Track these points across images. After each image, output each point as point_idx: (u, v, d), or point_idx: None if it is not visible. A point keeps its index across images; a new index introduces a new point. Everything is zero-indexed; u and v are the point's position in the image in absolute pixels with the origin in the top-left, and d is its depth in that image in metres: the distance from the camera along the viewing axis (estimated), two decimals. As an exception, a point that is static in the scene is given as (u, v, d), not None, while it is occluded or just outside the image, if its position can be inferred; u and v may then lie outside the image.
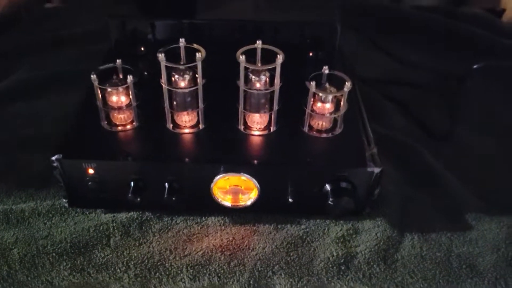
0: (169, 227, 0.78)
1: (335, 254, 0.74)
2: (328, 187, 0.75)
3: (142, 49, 0.90)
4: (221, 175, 0.74)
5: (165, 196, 0.74)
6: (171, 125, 0.79)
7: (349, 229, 0.78)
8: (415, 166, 0.91)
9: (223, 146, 0.77)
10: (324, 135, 0.79)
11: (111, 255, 0.73)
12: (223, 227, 0.78)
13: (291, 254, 0.74)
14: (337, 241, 0.76)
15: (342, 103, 0.77)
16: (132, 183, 0.74)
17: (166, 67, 0.72)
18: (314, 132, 0.79)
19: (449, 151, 0.96)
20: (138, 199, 0.74)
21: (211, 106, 0.79)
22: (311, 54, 0.90)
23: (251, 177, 0.74)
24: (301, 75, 0.78)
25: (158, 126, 0.79)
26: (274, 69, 0.72)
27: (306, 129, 0.79)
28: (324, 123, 0.79)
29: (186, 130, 0.79)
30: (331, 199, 0.73)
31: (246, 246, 0.75)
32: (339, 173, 0.74)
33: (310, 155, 0.76)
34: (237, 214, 0.79)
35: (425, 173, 0.90)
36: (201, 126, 0.80)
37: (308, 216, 0.80)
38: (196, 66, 0.72)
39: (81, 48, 1.21)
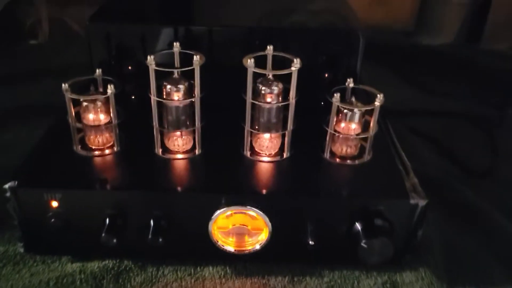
0: (153, 280, 0.62)
1: (370, 315, 0.57)
2: (358, 226, 0.59)
3: (130, 68, 0.76)
4: (222, 210, 0.58)
5: (150, 237, 0.57)
6: (161, 150, 0.64)
7: (385, 283, 0.62)
8: (454, 205, 0.76)
9: (224, 174, 0.62)
10: (349, 162, 0.64)
11: (75, 317, 0.55)
12: (223, 280, 0.62)
13: (313, 315, 0.57)
14: None
15: (372, 123, 0.62)
16: (107, 220, 0.58)
17: (157, 75, 0.58)
18: (337, 160, 0.64)
19: (490, 187, 0.81)
20: (114, 240, 0.57)
21: (210, 125, 0.64)
22: (326, 75, 0.77)
23: (261, 212, 0.58)
24: (319, 92, 0.64)
25: (144, 151, 0.64)
26: (289, 79, 0.59)
27: (327, 155, 0.65)
28: (349, 149, 0.65)
29: (179, 156, 0.64)
30: (363, 241, 0.57)
31: None
32: (373, 207, 0.58)
33: (334, 185, 0.60)
34: (242, 263, 0.64)
35: (467, 212, 0.75)
36: (197, 151, 0.64)
37: (332, 266, 0.65)
38: (193, 74, 0.59)
39: (60, 80, 1.08)
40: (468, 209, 0.75)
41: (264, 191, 0.59)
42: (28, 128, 0.91)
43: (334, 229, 0.60)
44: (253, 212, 0.58)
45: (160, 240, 0.57)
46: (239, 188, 0.59)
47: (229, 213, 0.59)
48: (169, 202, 0.59)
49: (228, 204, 0.58)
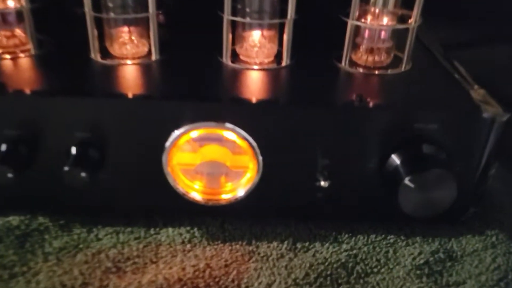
0: (80, 246, 0.41)
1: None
2: (397, 158, 0.37)
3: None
4: (184, 129, 0.37)
5: (67, 169, 0.36)
6: (99, 55, 0.43)
7: (436, 252, 0.41)
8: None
9: (192, 82, 0.41)
10: (379, 71, 0.43)
11: None
12: (188, 247, 0.41)
13: (326, 298, 0.36)
14: (415, 275, 0.38)
15: (414, 11, 0.42)
16: (3, 145, 0.37)
17: None
18: (360, 69, 0.44)
19: None
20: (9, 175, 0.36)
21: (172, 18, 0.43)
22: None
23: (246, 135, 0.37)
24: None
25: (75, 55, 0.44)
26: None
27: (345, 63, 0.44)
28: (377, 56, 0.44)
29: (127, 62, 0.43)
30: (408, 178, 0.36)
31: (233, 284, 0.36)
32: (420, 126, 0.37)
33: (360, 96, 0.39)
34: (217, 221, 0.44)
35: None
36: (154, 56, 0.44)
37: (354, 226, 0.44)
38: None
39: None
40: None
41: (252, 100, 0.38)
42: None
43: (359, 163, 0.39)
44: (234, 134, 0.37)
45: (84, 175, 0.36)
46: (212, 96, 0.38)
47: (195, 135, 0.38)
48: (101, 116, 0.37)
49: (195, 118, 0.37)
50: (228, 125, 0.37)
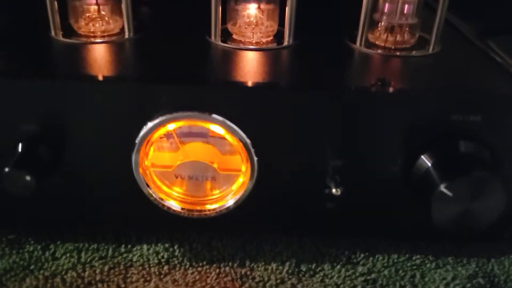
0: (31, 267, 0.33)
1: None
2: (427, 159, 0.30)
3: None
4: (158, 120, 0.29)
5: (8, 171, 0.28)
6: (60, 33, 0.36)
7: (474, 276, 0.33)
8: None
9: (170, 62, 0.33)
10: (401, 53, 0.36)
11: None
12: (166, 269, 0.33)
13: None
14: None
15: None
16: None
17: None
18: (380, 50, 0.36)
19: None
20: None
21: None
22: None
23: (239, 128, 0.29)
24: None
25: (30, 33, 0.36)
26: None
27: (361, 43, 0.36)
28: (399, 35, 0.36)
29: (96, 40, 0.35)
30: (443, 185, 0.28)
31: None
32: (457, 117, 0.29)
33: (380, 80, 0.32)
34: (202, 237, 0.37)
35: None
36: (127, 34, 0.36)
37: (371, 245, 0.36)
38: None
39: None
40: None
41: (247, 83, 0.30)
42: None
43: (379, 165, 0.31)
44: (222, 129, 0.30)
45: (29, 178, 0.28)
46: (196, 79, 0.31)
47: (173, 128, 0.30)
48: (59, 106, 0.30)
49: (174, 107, 0.29)
50: (216, 116, 0.30)
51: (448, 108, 0.30)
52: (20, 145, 0.30)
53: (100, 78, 0.30)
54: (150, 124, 0.30)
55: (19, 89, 0.30)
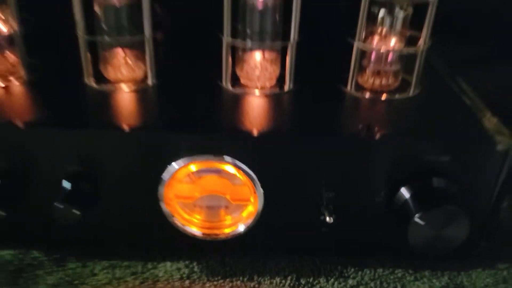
0: (75, 282, 0.40)
1: None
2: (406, 191, 0.36)
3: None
4: (181, 162, 0.35)
5: (58, 205, 0.34)
6: (93, 79, 0.41)
7: (446, 286, 0.40)
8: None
9: (189, 110, 0.39)
10: (386, 96, 0.41)
11: None
12: (187, 283, 0.40)
13: None
14: None
15: (424, 30, 0.40)
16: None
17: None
18: (367, 94, 0.42)
19: None
20: (2, 214, 0.34)
21: (170, 41, 0.41)
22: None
23: (246, 168, 0.35)
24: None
25: (68, 80, 0.42)
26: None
27: (351, 88, 0.42)
28: (384, 79, 0.42)
29: (122, 88, 0.41)
30: (417, 215, 0.34)
31: None
32: (431, 158, 0.35)
33: (367, 126, 0.37)
34: (216, 256, 0.42)
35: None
36: (150, 80, 0.42)
37: (361, 261, 0.42)
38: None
39: None
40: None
41: (253, 132, 0.36)
42: None
43: (365, 197, 0.37)
44: (233, 168, 0.36)
45: (78, 213, 0.34)
46: (211, 127, 0.37)
47: (193, 169, 0.36)
48: (95, 149, 0.36)
49: (192, 151, 0.35)
50: (227, 158, 0.36)
51: (423, 149, 0.36)
52: (66, 182, 0.36)
53: (128, 128, 0.36)
54: (175, 165, 0.36)
55: (61, 136, 0.36)
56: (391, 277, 0.40)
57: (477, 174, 0.36)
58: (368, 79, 0.43)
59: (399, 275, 0.41)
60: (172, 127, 0.37)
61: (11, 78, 0.42)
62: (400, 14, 0.40)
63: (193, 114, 0.39)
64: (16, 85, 0.42)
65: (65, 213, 0.35)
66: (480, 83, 0.54)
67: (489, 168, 0.36)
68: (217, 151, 0.36)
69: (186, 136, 0.35)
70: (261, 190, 0.37)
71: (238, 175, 0.37)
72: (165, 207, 0.38)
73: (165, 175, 0.36)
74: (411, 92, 0.42)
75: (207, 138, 0.36)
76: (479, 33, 0.74)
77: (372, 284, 0.40)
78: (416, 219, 0.34)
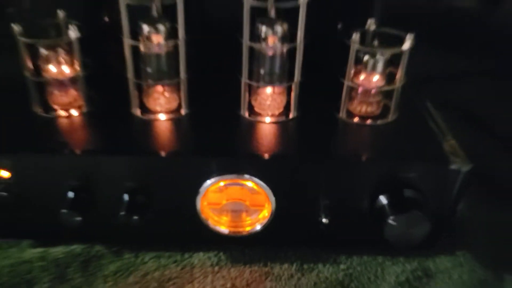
0: (131, 269, 0.52)
1: (399, 310, 0.45)
2: (383, 199, 0.47)
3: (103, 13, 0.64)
4: (213, 180, 0.46)
5: (123, 213, 0.46)
6: (139, 110, 0.52)
7: (415, 270, 0.51)
8: (495, 182, 0.64)
9: (216, 136, 0.50)
10: (370, 121, 0.52)
11: (28, 315, 0.44)
12: (216, 269, 0.51)
13: (328, 310, 0.46)
14: None
15: (399, 72, 0.50)
16: (70, 193, 0.46)
17: (131, 12, 0.47)
18: (355, 119, 0.53)
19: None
20: (78, 218, 0.45)
21: (199, 79, 0.52)
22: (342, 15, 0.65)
23: (262, 182, 0.46)
24: (331, 36, 0.53)
25: (119, 111, 0.53)
26: (296, 18, 0.47)
27: (343, 114, 0.53)
28: (369, 107, 0.53)
29: (162, 116, 0.52)
30: (391, 218, 0.45)
31: None
32: (401, 175, 0.46)
33: (353, 148, 0.49)
34: (239, 248, 0.54)
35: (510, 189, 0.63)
36: (183, 110, 0.53)
37: (349, 251, 0.54)
38: (176, 12, 0.47)
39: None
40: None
41: (265, 155, 0.47)
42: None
43: (353, 203, 0.49)
44: (251, 183, 0.47)
45: (135, 218, 0.46)
46: (234, 152, 0.48)
47: (222, 184, 0.47)
48: (147, 171, 0.47)
49: (221, 171, 0.46)
50: (247, 176, 0.47)
51: (396, 168, 0.47)
52: (125, 195, 0.48)
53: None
54: (208, 181, 0.47)
55: (120, 161, 0.47)
56: (374, 262, 0.52)
57: (437, 186, 0.47)
58: (356, 107, 0.53)
59: (380, 260, 0.52)
60: (205, 153, 0.47)
61: (73, 109, 0.53)
62: (380, 59, 0.50)
63: (220, 140, 0.49)
64: (76, 115, 0.53)
65: (125, 220, 0.47)
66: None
67: (447, 182, 0.47)
68: (239, 171, 0.47)
69: (216, 160, 0.46)
70: (273, 198, 0.48)
71: (255, 187, 0.48)
72: (200, 212, 0.49)
73: (201, 189, 0.47)
74: (390, 118, 0.53)
75: (231, 162, 0.47)
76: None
77: (358, 268, 0.51)
78: (390, 220, 0.46)
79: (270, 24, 0.49)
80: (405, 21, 0.58)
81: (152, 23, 0.48)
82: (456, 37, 0.99)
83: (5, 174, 0.46)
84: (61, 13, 0.52)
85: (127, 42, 0.48)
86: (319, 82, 0.53)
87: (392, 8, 0.66)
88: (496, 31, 1.03)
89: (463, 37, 0.94)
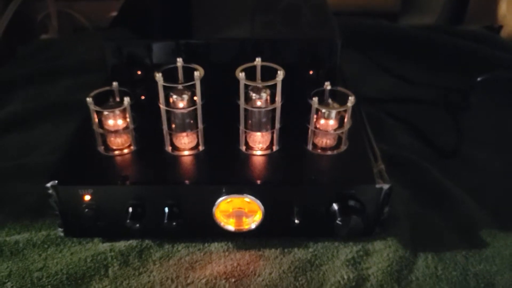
0: (170, 255, 0.74)
1: (345, 277, 0.70)
2: (335, 206, 0.71)
3: (139, 72, 0.88)
4: (223, 197, 0.71)
5: (165, 221, 0.71)
6: (170, 148, 0.76)
7: (359, 251, 0.75)
8: (423, 184, 0.88)
9: (224, 167, 0.74)
10: (328, 152, 0.76)
11: (109, 286, 0.69)
12: (227, 253, 0.74)
13: (300, 279, 0.70)
14: (347, 263, 0.72)
15: (346, 119, 0.74)
16: (130, 209, 0.71)
17: (164, 87, 0.70)
18: (319, 150, 0.77)
19: (457, 167, 0.94)
20: (137, 225, 0.70)
21: (210, 126, 0.76)
22: (311, 72, 0.88)
23: (255, 198, 0.71)
24: (302, 93, 0.76)
25: (156, 149, 0.77)
26: (275, 86, 0.70)
27: (310, 147, 0.77)
28: (328, 141, 0.77)
29: (186, 152, 0.76)
30: (339, 219, 0.70)
31: (251, 272, 0.71)
32: (346, 191, 0.71)
33: (315, 173, 0.73)
34: (241, 239, 0.75)
35: (433, 191, 0.87)
36: (201, 147, 0.77)
37: (316, 239, 0.76)
38: (194, 86, 0.70)
39: (76, 78, 1.20)
40: (435, 189, 0.87)
41: (258, 181, 0.71)
42: (52, 124, 1.03)
43: (316, 209, 0.71)
44: (248, 198, 0.71)
45: (174, 224, 0.71)
46: (237, 179, 0.72)
47: (229, 199, 0.72)
48: (179, 192, 0.71)
49: (228, 192, 0.71)
50: (246, 194, 0.71)
51: (342, 187, 0.71)
52: (166, 209, 0.72)
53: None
54: (219, 199, 0.71)
55: (160, 188, 0.71)
56: (331, 246, 0.76)
57: (370, 198, 0.71)
58: (319, 141, 0.77)
59: (336, 244, 0.76)
60: (217, 181, 0.71)
61: (125, 149, 0.77)
62: (333, 111, 0.74)
63: (227, 169, 0.74)
64: (129, 154, 0.77)
65: (166, 225, 0.71)
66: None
67: (375, 195, 0.71)
68: (240, 192, 0.71)
69: (225, 187, 0.70)
70: (263, 207, 0.73)
71: (250, 200, 0.72)
72: (215, 217, 0.73)
73: (216, 203, 0.71)
74: (342, 149, 0.77)
75: (235, 187, 0.70)
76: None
77: (321, 250, 0.75)
78: (338, 221, 0.70)
79: (258, 91, 0.72)
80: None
81: (179, 94, 0.72)
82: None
83: (88, 197, 0.71)
84: (115, 84, 0.75)
85: (163, 108, 0.72)
86: (293, 126, 0.77)
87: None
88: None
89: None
